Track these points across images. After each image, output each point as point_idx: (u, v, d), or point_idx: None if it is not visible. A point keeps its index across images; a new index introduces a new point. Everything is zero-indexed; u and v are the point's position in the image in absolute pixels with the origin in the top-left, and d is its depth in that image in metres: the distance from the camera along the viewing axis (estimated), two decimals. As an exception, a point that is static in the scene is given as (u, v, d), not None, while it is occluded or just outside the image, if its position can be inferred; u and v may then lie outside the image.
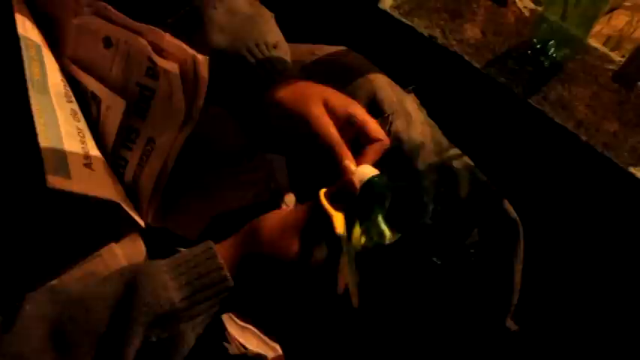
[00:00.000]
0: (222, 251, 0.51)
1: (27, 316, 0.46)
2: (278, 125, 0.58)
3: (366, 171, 0.54)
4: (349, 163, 0.54)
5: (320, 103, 0.56)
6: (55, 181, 0.48)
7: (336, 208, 0.52)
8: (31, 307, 0.46)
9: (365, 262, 0.63)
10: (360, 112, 0.56)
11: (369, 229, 0.53)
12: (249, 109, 0.59)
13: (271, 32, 0.63)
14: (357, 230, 0.53)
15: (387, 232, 0.53)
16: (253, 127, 0.61)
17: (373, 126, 0.56)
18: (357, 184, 0.53)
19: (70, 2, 0.60)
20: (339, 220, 0.52)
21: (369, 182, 0.53)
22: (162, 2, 0.61)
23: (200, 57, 0.55)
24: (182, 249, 0.60)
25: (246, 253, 0.51)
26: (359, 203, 0.53)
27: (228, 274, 0.50)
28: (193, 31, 0.59)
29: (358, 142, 0.56)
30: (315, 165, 0.58)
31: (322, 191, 0.53)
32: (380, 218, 0.53)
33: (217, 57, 0.58)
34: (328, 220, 0.51)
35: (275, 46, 0.62)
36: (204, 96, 0.56)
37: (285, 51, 0.64)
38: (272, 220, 0.53)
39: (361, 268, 0.56)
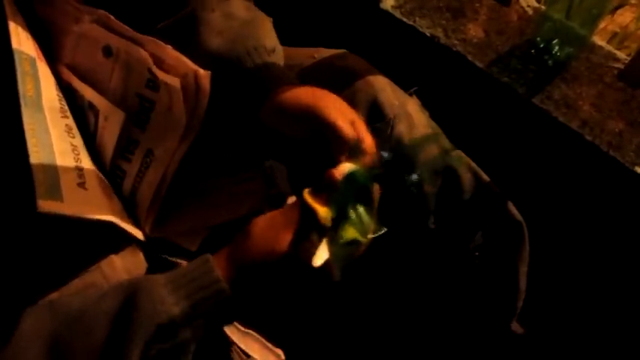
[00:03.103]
0: (219, 262, 0.51)
1: (26, 331, 0.46)
2: (280, 124, 0.58)
3: (348, 166, 0.55)
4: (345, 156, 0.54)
5: (330, 99, 0.56)
6: (46, 205, 0.48)
7: (322, 204, 0.53)
8: (29, 322, 0.46)
9: (369, 262, 0.63)
10: (361, 122, 0.56)
11: (354, 222, 0.54)
12: (247, 114, 0.59)
13: (269, 37, 0.62)
14: (345, 225, 0.53)
15: (370, 224, 0.54)
16: (251, 134, 0.60)
17: (369, 141, 0.56)
18: (339, 178, 0.53)
19: (70, 9, 0.59)
20: (323, 213, 0.52)
21: (351, 175, 0.54)
22: (157, 5, 0.60)
23: (202, 71, 0.55)
24: (179, 260, 0.60)
25: (240, 260, 0.51)
26: (341, 196, 0.53)
27: (226, 287, 0.50)
28: (189, 35, 0.58)
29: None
30: (313, 167, 0.58)
31: (306, 189, 0.54)
32: (362, 210, 0.54)
33: (214, 61, 0.58)
34: (313, 215, 0.52)
35: (273, 51, 0.61)
36: (205, 109, 0.56)
37: (280, 57, 0.63)
38: (260, 223, 0.53)
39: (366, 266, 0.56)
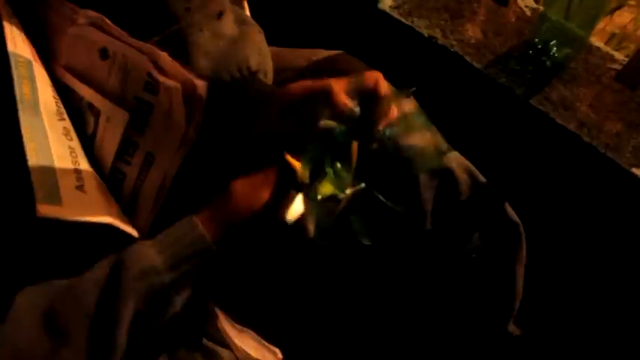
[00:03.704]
0: (203, 220, 0.52)
1: (18, 308, 0.47)
2: (273, 137, 0.58)
3: (325, 123, 0.54)
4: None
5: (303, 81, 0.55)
6: (45, 209, 0.48)
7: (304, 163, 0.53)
8: (21, 299, 0.47)
9: (366, 262, 0.63)
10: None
11: (331, 178, 0.54)
12: (235, 131, 0.59)
13: (254, 56, 0.62)
14: (323, 181, 0.54)
15: (347, 180, 0.54)
16: (241, 148, 0.61)
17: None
18: (315, 133, 0.53)
19: (67, 11, 0.59)
20: (301, 169, 0.53)
21: (328, 131, 0.53)
22: (147, 21, 0.60)
23: (199, 81, 0.55)
24: None
25: (221, 219, 0.52)
26: (318, 153, 0.54)
27: (210, 242, 0.51)
28: (177, 53, 0.58)
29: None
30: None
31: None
32: (339, 166, 0.54)
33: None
34: (292, 172, 0.53)
35: (257, 71, 0.61)
36: (202, 115, 0.56)
37: (267, 74, 0.64)
38: (239, 183, 0.54)
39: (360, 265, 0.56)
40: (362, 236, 0.59)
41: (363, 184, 0.55)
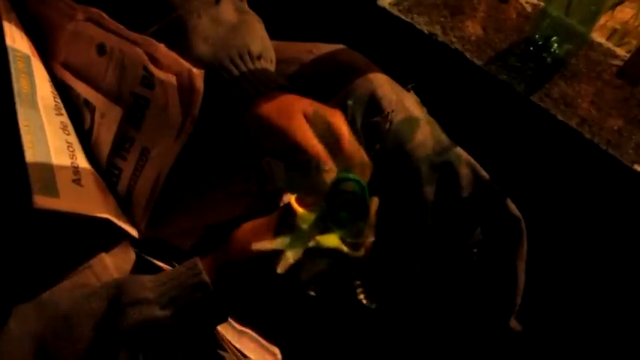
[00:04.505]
0: (207, 265, 0.51)
1: (12, 334, 0.46)
2: (258, 139, 0.57)
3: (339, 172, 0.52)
4: (330, 168, 0.52)
5: (300, 115, 0.54)
6: (42, 201, 0.48)
7: (307, 209, 0.51)
8: (16, 324, 0.46)
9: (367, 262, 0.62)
10: (338, 122, 0.54)
11: (335, 231, 0.50)
12: (232, 122, 0.58)
13: (256, 42, 0.62)
14: (328, 233, 0.50)
15: (357, 236, 0.50)
16: (241, 136, 0.60)
17: (347, 138, 0.53)
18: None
19: (64, 7, 0.59)
20: (302, 216, 0.50)
21: (341, 181, 0.50)
22: (145, 10, 0.59)
23: (195, 70, 0.55)
24: (164, 265, 0.59)
25: (222, 263, 0.51)
26: (328, 202, 0.50)
27: (212, 290, 0.50)
28: (176, 40, 0.58)
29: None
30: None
31: (293, 196, 0.52)
32: (347, 220, 0.50)
33: (201, 67, 0.57)
34: (294, 218, 0.50)
35: (259, 57, 0.60)
36: (199, 108, 0.55)
37: (270, 61, 0.63)
38: (246, 226, 0.53)
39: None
40: (366, 298, 0.57)
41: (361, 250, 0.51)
